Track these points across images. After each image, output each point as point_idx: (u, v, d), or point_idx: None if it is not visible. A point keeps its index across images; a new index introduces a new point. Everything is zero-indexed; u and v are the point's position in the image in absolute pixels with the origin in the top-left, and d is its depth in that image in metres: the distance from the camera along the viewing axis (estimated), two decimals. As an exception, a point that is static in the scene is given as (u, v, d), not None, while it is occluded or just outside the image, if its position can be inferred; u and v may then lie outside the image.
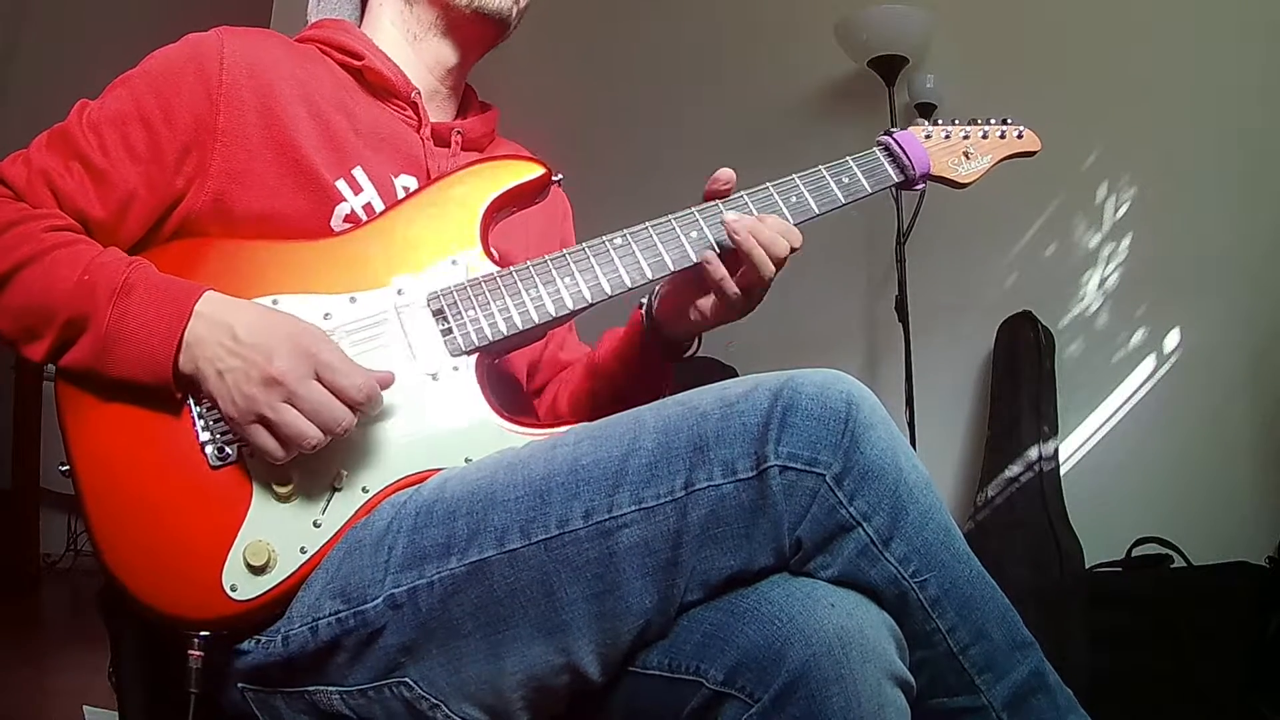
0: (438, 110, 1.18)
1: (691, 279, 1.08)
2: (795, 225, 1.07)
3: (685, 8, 3.37)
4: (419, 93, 1.14)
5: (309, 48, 1.12)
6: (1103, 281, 2.59)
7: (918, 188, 1.18)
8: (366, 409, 0.91)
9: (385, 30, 1.16)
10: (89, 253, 0.92)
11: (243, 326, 0.90)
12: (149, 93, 0.99)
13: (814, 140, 2.96)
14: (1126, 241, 2.57)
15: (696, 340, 1.16)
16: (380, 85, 1.13)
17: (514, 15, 1.15)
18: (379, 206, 1.06)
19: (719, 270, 1.04)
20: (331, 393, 0.88)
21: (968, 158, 1.19)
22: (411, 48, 1.16)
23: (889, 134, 1.16)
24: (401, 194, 1.10)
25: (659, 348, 1.16)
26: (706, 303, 1.09)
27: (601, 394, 1.20)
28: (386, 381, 0.93)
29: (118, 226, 0.98)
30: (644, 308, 1.16)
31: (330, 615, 0.87)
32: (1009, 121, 1.22)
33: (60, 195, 0.96)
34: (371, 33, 1.17)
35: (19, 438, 3.99)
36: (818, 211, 1.09)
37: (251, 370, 0.88)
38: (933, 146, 1.17)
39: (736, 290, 1.05)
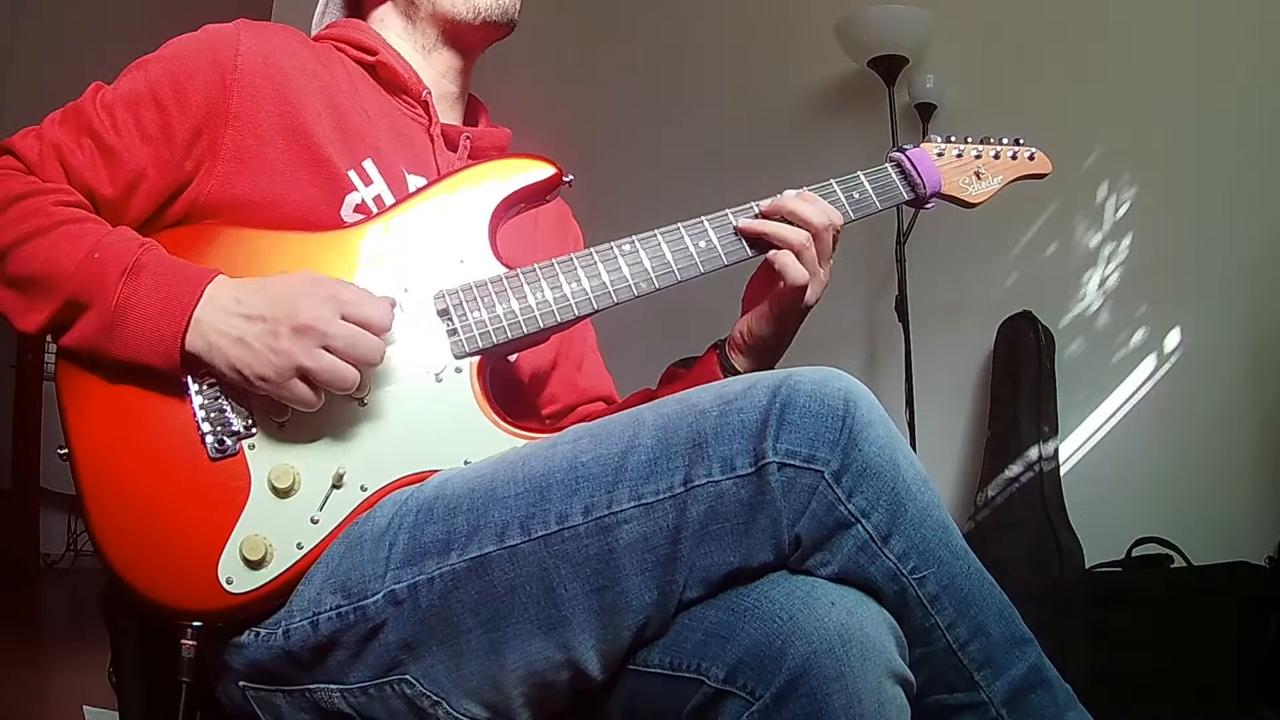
0: (447, 113, 1.19)
1: (760, 290, 1.08)
2: None
3: (685, 8, 3.38)
4: (430, 93, 1.15)
5: (324, 45, 1.14)
6: (1103, 281, 2.59)
7: (928, 206, 1.16)
8: (388, 335, 0.92)
9: (393, 40, 1.17)
10: (98, 231, 0.92)
11: (247, 294, 0.90)
12: (163, 75, 1.00)
13: (814, 140, 2.95)
14: (1126, 241, 2.57)
15: None
16: (393, 81, 1.14)
17: (516, 13, 1.17)
18: (389, 199, 1.06)
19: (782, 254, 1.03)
20: (359, 325, 0.89)
21: (979, 178, 1.18)
22: (423, 58, 1.17)
23: (901, 150, 1.15)
24: (411, 190, 1.10)
25: None
26: (764, 313, 1.07)
27: None
28: (393, 303, 0.94)
29: (125, 205, 0.98)
30: (718, 350, 1.13)
31: (331, 610, 0.87)
32: (1021, 142, 1.21)
33: (70, 171, 0.97)
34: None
35: (19, 438, 4.01)
36: None
37: (279, 327, 0.88)
38: (944, 165, 1.16)
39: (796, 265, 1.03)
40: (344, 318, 0.89)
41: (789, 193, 1.06)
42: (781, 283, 1.04)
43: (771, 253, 1.04)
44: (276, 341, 0.88)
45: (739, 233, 1.05)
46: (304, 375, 0.88)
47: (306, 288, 0.91)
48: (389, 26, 1.18)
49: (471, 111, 1.25)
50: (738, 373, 1.10)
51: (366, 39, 1.14)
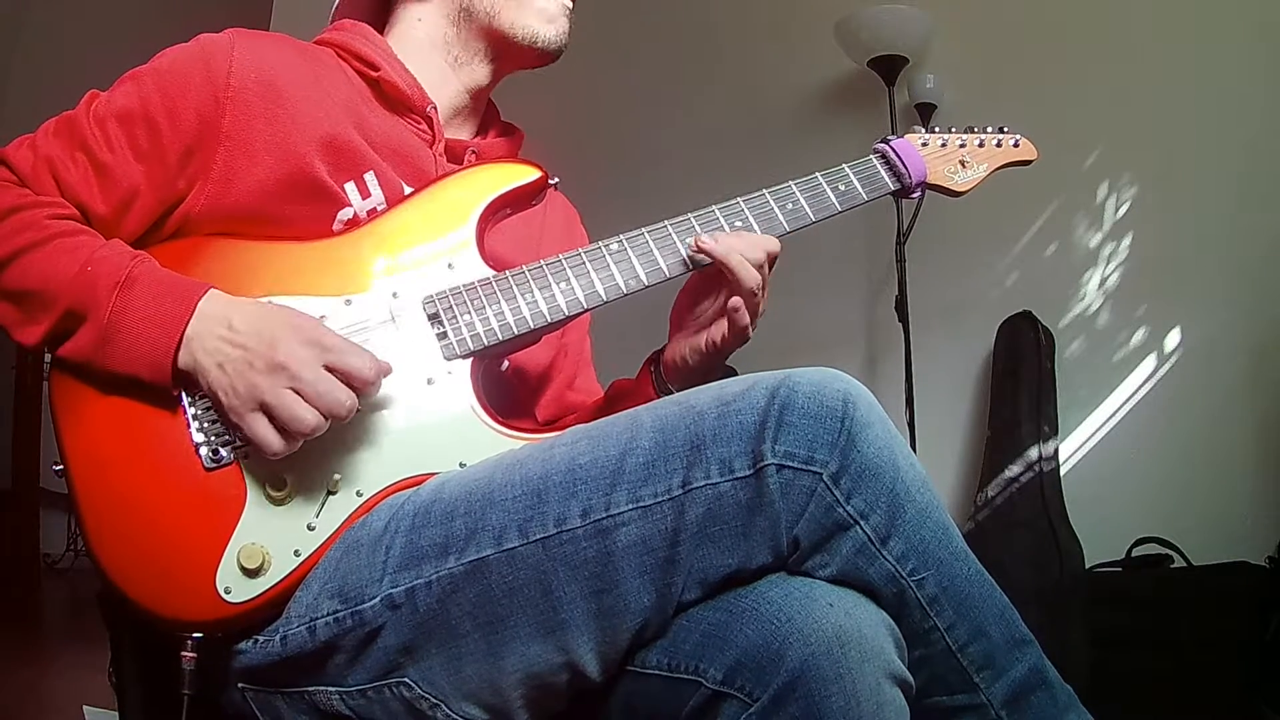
0: (456, 127, 1.17)
1: (687, 316, 1.08)
2: (791, 232, 1.07)
3: (686, 8, 3.37)
4: (434, 107, 1.12)
5: (325, 52, 1.11)
6: (1103, 281, 2.59)
7: (914, 195, 1.17)
8: (372, 391, 0.91)
9: (418, 45, 1.14)
10: (91, 244, 0.92)
11: (240, 319, 0.90)
12: (156, 91, 0.99)
13: (814, 140, 2.96)
14: (1126, 241, 2.57)
15: None
16: (395, 98, 1.11)
17: (565, 45, 1.15)
18: None
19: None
20: (339, 377, 0.88)
21: (964, 166, 1.19)
22: (451, 70, 1.15)
23: (886, 141, 1.16)
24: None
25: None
26: (700, 338, 1.07)
27: None
28: (387, 370, 0.92)
29: (118, 222, 0.98)
30: (651, 363, 1.14)
31: (328, 615, 0.87)
32: (1005, 130, 1.22)
33: (63, 185, 0.96)
34: (397, 42, 1.14)
35: (19, 438, 4.00)
36: (814, 219, 1.09)
37: (255, 360, 0.88)
38: (929, 154, 1.17)
39: (721, 306, 1.03)
40: (326, 365, 0.88)
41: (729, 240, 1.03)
42: (725, 328, 1.04)
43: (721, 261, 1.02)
44: (249, 372, 0.87)
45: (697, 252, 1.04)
46: (266, 411, 0.87)
47: (294, 326, 0.90)
48: (421, 29, 1.14)
49: (485, 120, 1.22)
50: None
51: (369, 52, 1.11)
